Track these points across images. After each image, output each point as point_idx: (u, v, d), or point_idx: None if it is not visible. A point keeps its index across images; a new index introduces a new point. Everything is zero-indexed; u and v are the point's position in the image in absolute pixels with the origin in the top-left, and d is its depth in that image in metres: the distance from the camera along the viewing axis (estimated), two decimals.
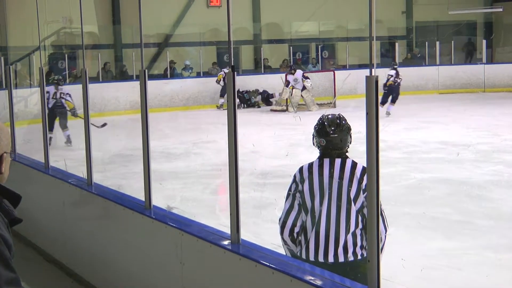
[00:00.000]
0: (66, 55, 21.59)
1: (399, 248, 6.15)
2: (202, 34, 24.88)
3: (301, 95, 19.63)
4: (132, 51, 21.08)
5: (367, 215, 3.28)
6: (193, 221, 4.50)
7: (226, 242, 3.86)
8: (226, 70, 21.30)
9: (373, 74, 2.88)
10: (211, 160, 11.74)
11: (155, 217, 4.60)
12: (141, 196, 4.92)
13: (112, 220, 5.33)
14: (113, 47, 24.18)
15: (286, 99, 19.79)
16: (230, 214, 3.80)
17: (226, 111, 3.79)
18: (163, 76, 22.56)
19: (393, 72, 18.20)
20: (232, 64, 3.81)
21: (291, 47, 25.75)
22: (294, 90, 19.55)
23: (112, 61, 23.43)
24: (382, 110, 17.37)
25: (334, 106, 19.62)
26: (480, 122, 16.09)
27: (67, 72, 20.93)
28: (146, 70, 4.76)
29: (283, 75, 20.59)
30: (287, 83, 19.69)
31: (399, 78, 18.22)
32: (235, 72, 3.76)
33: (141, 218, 4.72)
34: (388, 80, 17.95)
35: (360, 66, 22.15)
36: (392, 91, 17.95)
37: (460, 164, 11.02)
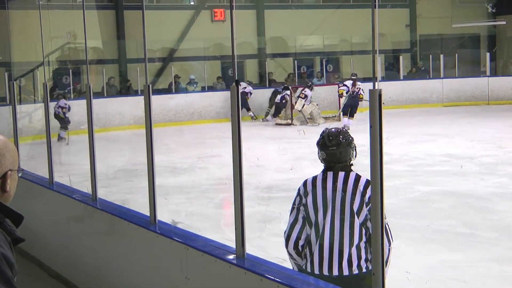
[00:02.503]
0: (70, 70, 21.69)
1: (404, 261, 6.13)
2: (207, 48, 24.97)
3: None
4: (137, 65, 21.13)
5: (371, 228, 3.28)
6: (198, 236, 4.49)
7: (231, 257, 3.86)
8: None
9: (376, 87, 2.88)
10: (216, 174, 11.74)
11: (160, 232, 4.60)
12: (146, 211, 4.92)
13: (117, 235, 5.33)
14: (117, 62, 24.28)
15: (299, 111, 19.92)
16: (235, 228, 3.80)
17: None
18: (168, 91, 22.60)
19: (349, 82, 18.26)
20: (236, 78, 3.82)
21: (295, 61, 25.82)
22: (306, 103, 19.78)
23: (116, 76, 23.51)
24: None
25: (339, 120, 19.63)
26: (485, 135, 16.06)
27: (71, 87, 21.02)
28: (151, 85, 4.78)
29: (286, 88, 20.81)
30: (303, 96, 19.80)
31: (357, 88, 18.21)
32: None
33: (146, 233, 4.72)
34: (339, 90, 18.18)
35: (365, 80, 22.16)
36: (351, 103, 18.00)
37: (464, 176, 11.01)
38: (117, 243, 5.33)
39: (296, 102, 19.99)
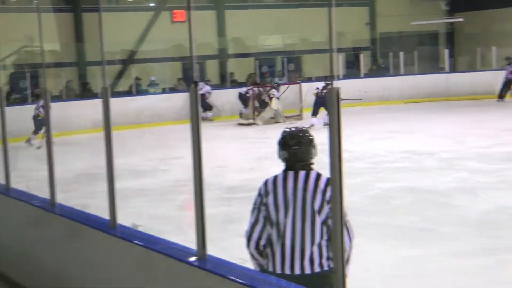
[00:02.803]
0: (27, 74, 21.37)
1: (365, 258, 6.16)
2: (167, 50, 24.85)
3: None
4: (97, 68, 20.90)
5: (331, 226, 3.29)
6: (159, 239, 4.47)
7: (192, 259, 3.84)
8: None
9: (334, 86, 2.89)
10: (178, 176, 11.69)
11: (121, 236, 4.56)
12: (107, 215, 4.87)
13: (77, 240, 5.26)
14: (76, 65, 24.03)
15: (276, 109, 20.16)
16: (196, 230, 3.78)
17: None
18: (128, 93, 22.43)
19: (320, 85, 18.61)
20: (196, 79, 3.80)
21: (257, 61, 25.84)
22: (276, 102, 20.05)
23: (75, 79, 23.27)
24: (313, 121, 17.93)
25: (301, 118, 19.73)
26: (444, 130, 16.26)
27: (29, 91, 20.72)
28: (109, 87, 4.73)
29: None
30: (273, 96, 20.04)
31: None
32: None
33: (107, 237, 4.68)
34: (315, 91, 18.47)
35: (326, 78, 22.25)
36: (320, 103, 18.31)
37: (424, 172, 11.13)
38: (77, 248, 5.27)
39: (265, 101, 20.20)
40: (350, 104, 17.95)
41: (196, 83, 3.75)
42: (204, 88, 21.19)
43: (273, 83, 21.51)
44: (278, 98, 20.27)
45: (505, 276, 6.12)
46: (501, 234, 7.44)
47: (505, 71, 22.58)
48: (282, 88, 21.19)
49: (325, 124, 17.26)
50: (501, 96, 22.49)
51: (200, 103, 3.77)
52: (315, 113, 18.33)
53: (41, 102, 16.64)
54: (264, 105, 20.32)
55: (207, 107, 21.23)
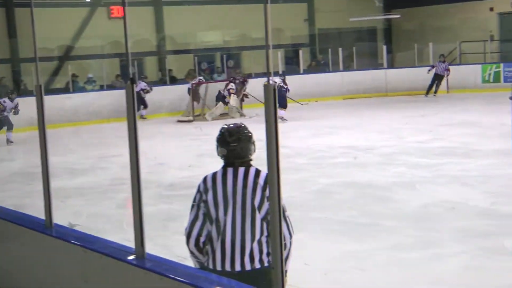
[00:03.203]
0: None
1: (307, 253, 6.20)
2: (104, 46, 24.54)
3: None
4: (32, 65, 20.46)
5: (270, 222, 3.28)
6: (97, 238, 4.39)
7: (131, 257, 3.78)
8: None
9: (271, 82, 2.88)
10: (117, 174, 11.53)
11: (57, 236, 4.46)
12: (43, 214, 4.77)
13: (11, 241, 5.13)
14: (10, 61, 23.48)
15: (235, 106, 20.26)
16: (134, 228, 3.72)
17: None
18: (65, 90, 22.03)
19: (277, 79, 19.02)
20: (131, 76, 3.74)
21: (196, 57, 25.73)
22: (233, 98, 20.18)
23: (9, 76, 22.74)
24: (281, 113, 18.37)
25: (243, 115, 19.78)
26: (383, 126, 16.49)
27: None
28: (42, 85, 4.61)
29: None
30: (233, 91, 20.08)
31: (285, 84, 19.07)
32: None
33: (42, 238, 4.57)
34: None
35: (265, 74, 22.33)
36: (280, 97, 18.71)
37: (365, 167, 11.25)
38: (12, 249, 5.13)
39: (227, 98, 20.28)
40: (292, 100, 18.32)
41: (132, 80, 3.69)
42: (139, 85, 20.92)
43: (237, 77, 21.41)
44: (234, 94, 20.29)
45: (440, 268, 6.22)
46: (438, 227, 7.57)
47: (436, 67, 23.18)
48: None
49: (280, 119, 17.98)
50: (431, 89, 23.22)
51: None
52: (282, 105, 18.66)
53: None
54: (222, 100, 20.38)
55: (143, 104, 20.96)
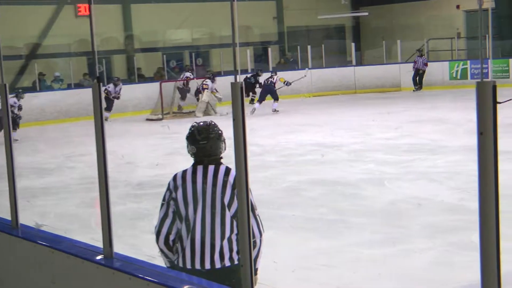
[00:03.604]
0: None
1: (277, 250, 6.20)
2: (72, 44, 24.32)
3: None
4: None
5: (239, 220, 3.27)
6: (64, 238, 4.35)
7: (99, 257, 3.74)
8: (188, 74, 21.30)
9: (238, 80, 2.87)
10: (86, 173, 11.41)
11: (23, 236, 4.40)
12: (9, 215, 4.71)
13: None
14: None
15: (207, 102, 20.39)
16: (102, 228, 3.69)
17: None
18: (32, 89, 21.78)
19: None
20: (98, 75, 3.71)
21: (164, 56, 25.62)
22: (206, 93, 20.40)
23: None
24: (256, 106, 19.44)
25: (216, 113, 19.79)
26: (352, 123, 16.57)
27: None
28: (7, 84, 4.55)
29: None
30: (206, 87, 20.26)
31: (273, 79, 20.22)
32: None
33: (8, 238, 4.51)
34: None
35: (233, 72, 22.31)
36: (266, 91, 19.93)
37: (334, 164, 11.30)
38: None
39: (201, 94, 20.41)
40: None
41: (98, 79, 3.66)
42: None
43: (210, 75, 21.47)
44: (216, 90, 20.46)
45: (409, 264, 6.27)
46: (406, 223, 7.62)
47: (416, 62, 23.44)
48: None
49: (274, 111, 19.49)
50: (416, 84, 23.61)
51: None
52: (261, 100, 19.69)
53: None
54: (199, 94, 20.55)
55: (108, 106, 20.61)
